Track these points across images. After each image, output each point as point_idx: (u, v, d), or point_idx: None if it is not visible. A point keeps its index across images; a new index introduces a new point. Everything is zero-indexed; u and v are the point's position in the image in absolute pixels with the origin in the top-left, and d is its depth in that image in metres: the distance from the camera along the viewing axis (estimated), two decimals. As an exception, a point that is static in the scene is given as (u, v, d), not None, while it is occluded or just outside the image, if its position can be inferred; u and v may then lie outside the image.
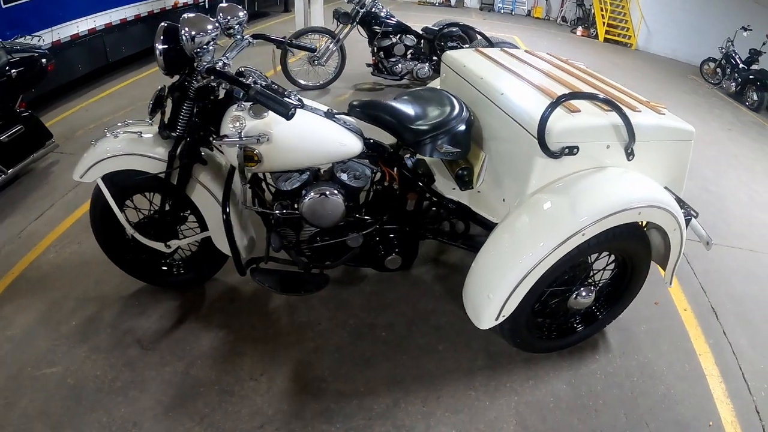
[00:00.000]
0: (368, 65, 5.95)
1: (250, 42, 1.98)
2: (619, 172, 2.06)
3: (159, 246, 2.09)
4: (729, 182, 5.09)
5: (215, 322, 2.16)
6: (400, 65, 5.83)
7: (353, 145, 1.96)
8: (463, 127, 2.14)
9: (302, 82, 5.67)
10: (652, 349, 2.79)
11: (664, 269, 2.46)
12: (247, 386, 1.92)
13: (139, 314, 2.20)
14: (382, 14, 5.58)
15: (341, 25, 5.50)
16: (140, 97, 5.39)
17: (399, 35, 5.73)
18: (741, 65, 8.68)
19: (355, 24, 5.51)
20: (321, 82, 5.81)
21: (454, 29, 5.69)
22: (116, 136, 1.97)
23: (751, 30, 8.93)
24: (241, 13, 1.93)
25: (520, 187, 2.04)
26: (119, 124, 2.03)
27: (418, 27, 5.99)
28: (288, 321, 2.26)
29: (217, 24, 1.78)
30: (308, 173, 2.00)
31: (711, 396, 2.58)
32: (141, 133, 1.96)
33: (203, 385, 1.90)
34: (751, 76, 8.26)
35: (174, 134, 1.88)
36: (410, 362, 2.22)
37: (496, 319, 1.96)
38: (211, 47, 1.75)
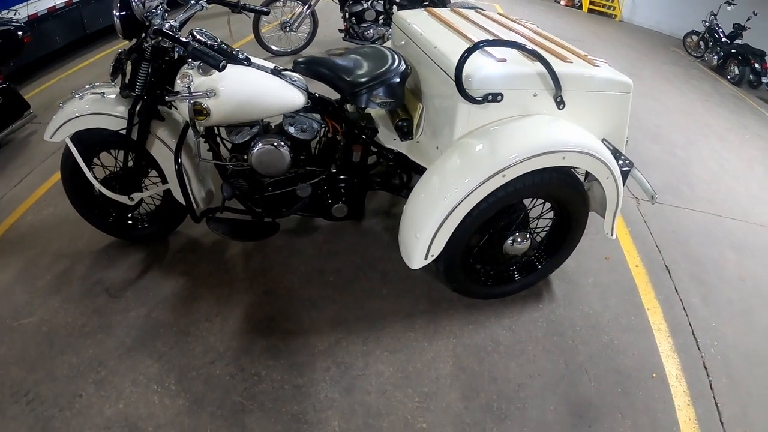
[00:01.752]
0: (340, 31, 6.02)
1: (203, 6, 2.18)
2: (547, 119, 2.16)
3: (123, 199, 2.29)
4: (699, 149, 5.15)
5: (177, 271, 2.39)
6: (371, 30, 5.91)
7: (295, 98, 2.14)
8: (397, 80, 2.26)
9: (274, 48, 5.83)
10: (598, 301, 2.80)
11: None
12: (202, 327, 2.13)
13: (108, 266, 2.44)
14: None
15: None
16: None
17: (370, 1, 5.81)
18: (724, 39, 8.82)
19: None
20: (293, 48, 5.94)
21: None
22: (82, 97, 2.15)
23: (735, 4, 9.08)
24: None
25: (449, 133, 2.15)
26: (86, 86, 2.21)
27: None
28: (243, 268, 2.46)
29: None
30: (258, 126, 2.18)
31: (657, 349, 2.60)
32: (104, 93, 2.15)
33: (163, 326, 2.11)
34: (733, 50, 8.39)
35: (133, 93, 2.07)
36: (354, 305, 2.38)
37: (425, 259, 2.09)
38: (159, 11, 1.95)
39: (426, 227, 2.03)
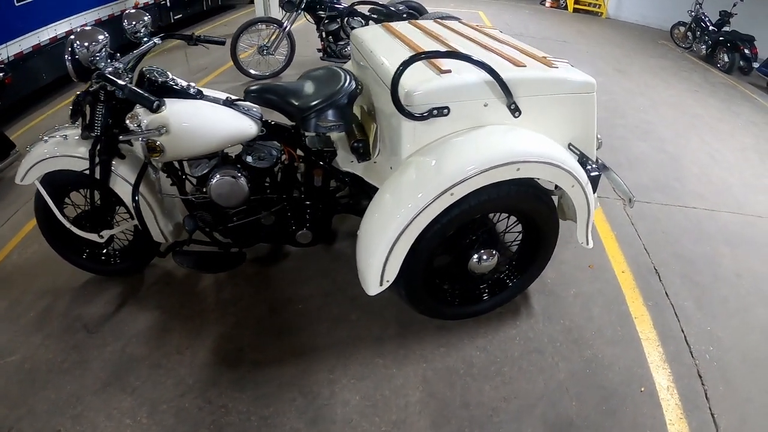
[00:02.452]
0: (318, 50, 6.06)
1: (155, 42, 2.25)
2: (500, 129, 2.09)
3: (93, 237, 2.35)
4: (689, 142, 5.06)
5: (151, 304, 2.47)
6: (348, 48, 5.87)
7: (247, 128, 2.17)
8: (345, 101, 2.25)
9: (253, 72, 5.86)
10: (580, 313, 2.70)
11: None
12: (173, 359, 2.19)
13: (87, 302, 2.53)
14: None
15: (287, 13, 5.80)
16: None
17: (346, 18, 5.83)
18: (711, 28, 8.77)
19: (300, 11, 5.69)
20: (272, 71, 5.99)
21: (400, 8, 5.93)
22: (47, 140, 2.22)
23: (720, -9, 9.06)
24: (145, 18, 2.23)
25: (398, 152, 2.11)
26: (51, 129, 2.30)
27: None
28: (214, 298, 2.52)
29: (106, 34, 2.04)
30: (217, 158, 2.22)
31: (645, 361, 2.49)
32: (66, 135, 2.23)
33: (136, 360, 2.19)
34: (721, 38, 8.34)
35: (92, 134, 2.13)
36: (323, 332, 2.39)
37: (381, 285, 2.05)
38: (104, 54, 2.02)
39: (376, 253, 1.98)
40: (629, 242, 3.34)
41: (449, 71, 2.04)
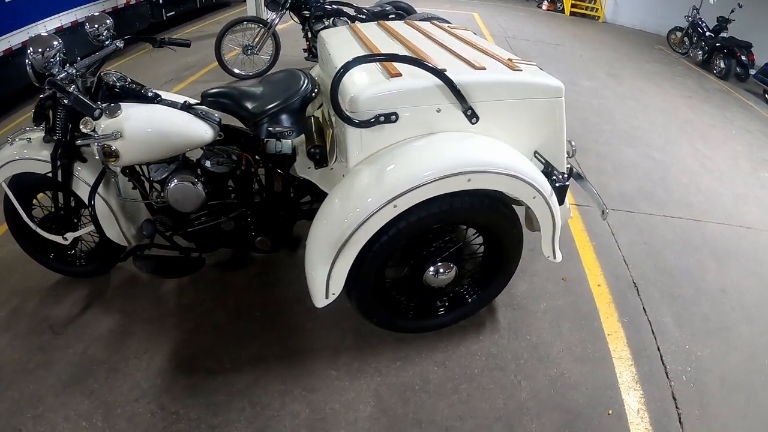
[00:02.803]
0: (304, 50, 6.00)
1: (117, 46, 2.26)
2: (453, 137, 2.00)
3: (57, 239, 2.40)
4: (679, 149, 4.94)
5: (115, 307, 2.50)
6: None
7: (203, 133, 2.16)
8: (298, 105, 2.20)
9: (237, 71, 5.86)
10: (549, 329, 2.57)
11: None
12: (131, 364, 2.22)
13: (55, 303, 2.56)
14: None
15: (272, 13, 5.80)
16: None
17: (332, 18, 5.77)
18: (708, 33, 8.70)
19: (285, 10, 5.67)
20: (256, 71, 5.96)
21: (387, 8, 5.87)
22: (12, 143, 2.25)
23: (717, -3, 8.99)
24: (107, 21, 2.24)
25: (346, 160, 2.03)
26: (23, 130, 2.32)
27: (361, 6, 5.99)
28: (175, 303, 2.54)
29: (59, 40, 2.05)
30: (176, 162, 2.22)
31: (616, 381, 2.35)
32: (30, 138, 2.25)
33: (96, 363, 2.22)
34: (717, 44, 8.27)
35: (54, 138, 2.16)
36: (278, 341, 2.37)
37: (326, 297, 2.00)
38: (57, 59, 2.01)
39: (320, 266, 1.93)
40: (608, 254, 3.20)
41: (400, 75, 1.95)
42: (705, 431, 2.18)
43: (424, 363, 2.32)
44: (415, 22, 2.98)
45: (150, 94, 2.11)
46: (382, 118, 1.89)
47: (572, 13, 12.69)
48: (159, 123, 2.07)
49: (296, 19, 5.82)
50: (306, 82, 2.26)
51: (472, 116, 1.99)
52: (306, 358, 2.31)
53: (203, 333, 2.39)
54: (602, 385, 2.31)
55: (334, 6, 5.75)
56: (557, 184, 2.12)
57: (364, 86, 1.90)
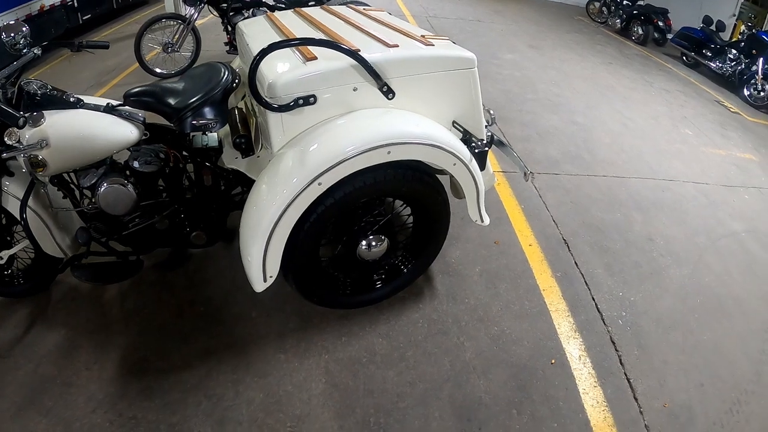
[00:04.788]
0: (225, 44, 6.04)
1: (35, 54, 2.27)
2: (371, 113, 2.15)
3: None
4: (600, 113, 5.34)
5: (59, 321, 2.53)
6: None
7: (128, 133, 2.23)
8: (219, 97, 2.31)
9: (159, 71, 5.82)
10: (486, 290, 2.76)
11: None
12: (83, 376, 2.26)
13: None
14: None
15: (190, 9, 5.82)
16: None
17: (251, 9, 5.86)
18: (625, 2, 9.38)
19: (203, 5, 5.70)
20: (179, 68, 5.92)
21: None
22: None
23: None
24: (24, 29, 2.24)
25: (270, 145, 2.16)
26: None
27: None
28: (119, 309, 2.60)
29: None
30: (105, 166, 2.26)
31: (555, 333, 2.57)
32: None
33: (48, 381, 2.25)
34: (635, 12, 8.96)
35: None
36: (225, 332, 2.47)
37: (265, 281, 2.12)
38: None
39: (253, 249, 2.03)
40: (537, 215, 3.46)
41: (315, 58, 2.08)
42: (646, 368, 2.44)
43: (368, 336, 2.45)
44: (332, 7, 3.14)
45: (72, 100, 2.15)
46: (300, 101, 2.02)
47: (492, -10, 13.20)
48: (83, 128, 2.12)
49: (215, 12, 5.87)
50: (226, 73, 2.37)
51: (388, 92, 2.15)
52: (254, 345, 2.41)
53: (150, 335, 2.46)
54: (542, 337, 2.52)
55: None
56: (476, 150, 2.31)
57: (281, 72, 2.02)
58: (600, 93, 5.92)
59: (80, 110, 2.15)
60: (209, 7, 5.78)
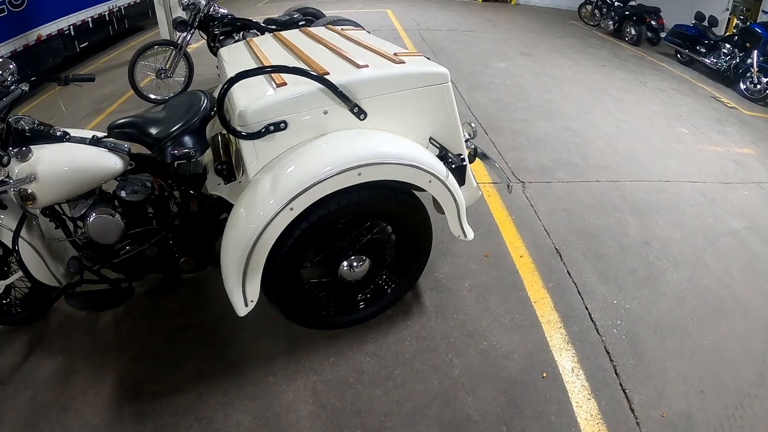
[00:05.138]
0: (217, 68, 6.00)
1: (23, 90, 2.33)
2: (342, 136, 2.17)
3: None
4: (594, 117, 5.32)
5: (56, 348, 2.62)
6: None
7: (113, 165, 2.30)
8: (197, 125, 2.40)
9: (153, 97, 5.96)
10: (475, 305, 2.73)
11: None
12: (79, 401, 2.33)
13: None
14: (219, 14, 6.02)
15: (182, 34, 5.98)
16: None
17: (241, 32, 6.00)
18: (617, 3, 9.38)
19: (193, 30, 5.87)
20: (173, 93, 5.98)
21: (295, 15, 6.30)
22: None
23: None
24: (11, 66, 2.31)
25: (246, 171, 2.20)
26: None
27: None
28: (114, 335, 2.67)
29: None
30: (94, 196, 2.35)
31: (547, 345, 2.53)
32: None
33: (46, 406, 2.32)
34: (627, 12, 8.96)
35: None
36: (215, 356, 2.52)
37: (246, 306, 2.16)
38: None
39: (233, 276, 2.08)
40: (528, 225, 3.42)
41: (285, 84, 2.12)
42: (643, 377, 2.38)
43: (356, 356, 2.46)
44: (310, 28, 3.23)
45: (59, 134, 2.23)
46: (271, 128, 2.06)
47: (485, 0, 13.27)
48: (70, 161, 2.19)
49: (205, 36, 6.01)
50: (205, 101, 2.45)
51: (359, 113, 2.18)
52: (244, 368, 2.44)
53: (143, 359, 2.52)
54: (534, 350, 2.48)
55: (241, 20, 5.95)
56: (453, 166, 2.32)
57: (250, 100, 2.06)
58: (593, 97, 5.89)
59: (66, 144, 2.22)
60: (199, 31, 5.95)
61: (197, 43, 5.94)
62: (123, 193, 2.37)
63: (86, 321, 2.77)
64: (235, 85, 2.09)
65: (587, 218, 3.53)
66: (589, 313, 2.72)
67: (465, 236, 2.44)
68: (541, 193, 3.80)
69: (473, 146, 2.71)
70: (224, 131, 2.74)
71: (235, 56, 2.75)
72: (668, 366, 2.46)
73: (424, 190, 2.33)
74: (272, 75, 2.21)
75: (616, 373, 2.40)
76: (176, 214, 2.57)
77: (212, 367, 2.45)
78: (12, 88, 2.30)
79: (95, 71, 8.03)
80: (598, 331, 2.62)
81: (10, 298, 2.72)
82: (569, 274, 2.98)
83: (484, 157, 2.75)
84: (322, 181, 1.99)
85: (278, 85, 2.12)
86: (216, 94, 2.77)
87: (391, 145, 2.16)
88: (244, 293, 2.11)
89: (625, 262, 3.13)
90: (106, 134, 2.36)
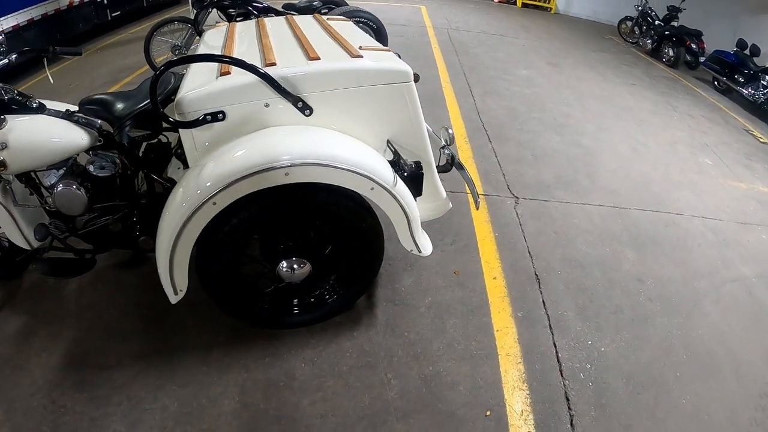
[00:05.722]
0: None
1: (10, 60, 2.44)
2: (281, 131, 2.08)
3: None
4: (611, 136, 4.98)
5: (23, 308, 2.74)
6: None
7: (78, 139, 2.33)
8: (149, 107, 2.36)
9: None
10: (431, 325, 2.50)
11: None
12: (32, 361, 2.43)
13: None
14: None
15: (200, 12, 5.90)
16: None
17: (258, 15, 5.82)
18: (658, 22, 8.97)
19: (210, 9, 5.79)
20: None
21: (315, 2, 6.27)
22: None
23: (668, -14, 9.30)
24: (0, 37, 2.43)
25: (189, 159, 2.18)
26: None
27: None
28: (75, 303, 2.77)
29: None
30: (64, 168, 2.41)
31: (499, 380, 2.27)
32: None
33: (4, 360, 2.43)
34: (667, 32, 8.55)
35: None
36: (160, 337, 2.53)
37: (176, 294, 2.19)
38: None
39: (161, 261, 2.08)
40: (511, 245, 3.14)
41: (229, 73, 2.06)
42: (602, 433, 2.10)
43: (292, 359, 2.37)
44: (296, 16, 3.15)
45: (35, 105, 2.31)
46: (208, 118, 2.00)
47: (524, 5, 12.96)
48: (38, 132, 2.25)
49: (223, 17, 5.93)
50: (174, 82, 2.43)
51: (304, 108, 2.06)
52: (183, 353, 2.44)
53: (96, 331, 2.58)
54: (483, 384, 2.23)
55: (257, 3, 5.88)
56: (406, 174, 2.15)
57: (191, 88, 2.02)
58: (615, 115, 5.55)
59: (39, 116, 2.29)
60: (218, 12, 5.93)
61: (223, 24, 5.81)
62: (91, 168, 2.43)
63: (55, 287, 2.86)
64: (190, 70, 2.16)
65: (579, 245, 3.22)
66: (557, 352, 2.44)
67: (419, 251, 2.25)
68: (534, 211, 3.51)
69: (450, 153, 2.48)
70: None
71: (210, 39, 2.75)
72: (635, 425, 2.17)
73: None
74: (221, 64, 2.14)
75: (572, 424, 2.13)
76: (141, 194, 2.58)
77: (154, 348, 2.47)
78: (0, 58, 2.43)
79: (123, 41, 8.15)
80: (561, 373, 2.34)
81: None
82: (544, 305, 2.70)
83: (459, 167, 2.51)
84: (243, 179, 1.90)
85: (222, 74, 2.05)
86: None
87: (328, 145, 2.03)
88: (172, 280, 2.11)
89: (610, 299, 2.82)
90: (77, 110, 2.39)
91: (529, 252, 3.09)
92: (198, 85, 2.03)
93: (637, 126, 5.30)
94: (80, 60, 6.60)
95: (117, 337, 2.55)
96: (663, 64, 8.26)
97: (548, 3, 12.76)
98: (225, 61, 2.06)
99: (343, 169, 1.97)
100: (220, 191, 1.91)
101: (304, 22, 2.91)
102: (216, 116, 2.01)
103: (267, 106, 2.05)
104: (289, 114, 2.07)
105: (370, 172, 2.01)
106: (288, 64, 2.07)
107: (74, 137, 2.31)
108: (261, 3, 6.01)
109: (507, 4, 13.29)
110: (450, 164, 2.50)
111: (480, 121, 4.98)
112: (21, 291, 2.86)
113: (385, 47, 2.35)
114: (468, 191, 2.40)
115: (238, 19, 5.83)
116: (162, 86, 2.37)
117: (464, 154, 4.31)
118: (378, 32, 5.95)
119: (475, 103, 5.45)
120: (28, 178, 2.43)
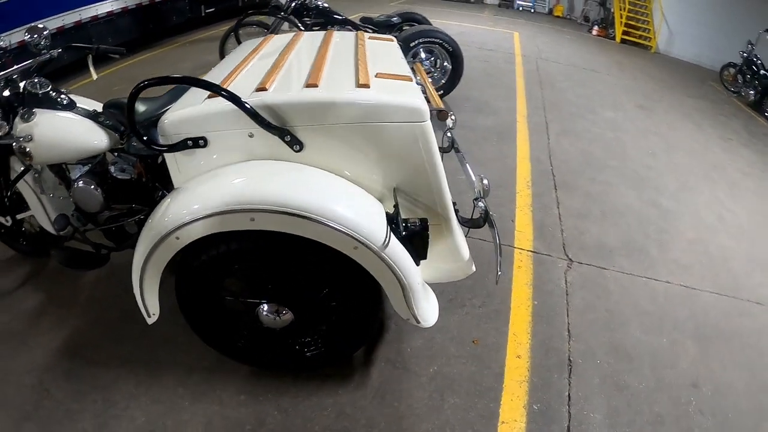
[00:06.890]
0: None
1: (52, 55, 2.48)
2: (258, 168, 1.87)
3: (2, 220, 2.76)
4: (697, 197, 4.33)
5: (43, 287, 2.86)
6: None
7: (98, 141, 2.31)
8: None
9: None
10: (428, 400, 2.16)
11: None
12: (36, 340, 2.52)
13: (2, 275, 2.98)
14: (314, 5, 5.95)
15: (275, 18, 5.98)
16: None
17: (334, 27, 5.81)
18: (763, 72, 7.98)
19: (286, 16, 5.80)
20: None
21: (393, 19, 6.15)
22: None
23: (776, 32, 8.29)
24: (45, 32, 2.44)
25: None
26: None
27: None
28: (88, 294, 2.84)
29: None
30: (90, 165, 2.43)
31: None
32: None
33: (12, 334, 2.54)
34: (772, 84, 7.57)
35: None
36: (148, 347, 2.51)
37: (149, 317, 2.09)
38: None
39: (134, 283, 1.97)
40: (549, 318, 2.66)
41: (215, 96, 1.88)
42: None
43: (267, 404, 2.22)
44: (337, 32, 2.85)
45: (66, 102, 2.34)
46: (190, 143, 1.86)
47: (623, 41, 12.11)
48: (61, 130, 2.26)
49: (299, 25, 5.81)
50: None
51: (293, 143, 1.83)
52: (165, 368, 2.40)
53: (98, 326, 2.62)
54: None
55: (336, 15, 5.84)
56: (405, 233, 1.83)
57: (176, 109, 1.89)
58: (704, 173, 4.86)
59: (66, 113, 2.31)
60: (294, 19, 5.85)
61: (287, 33, 5.74)
62: (112, 168, 2.43)
63: (75, 274, 2.95)
64: (191, 89, 2.04)
65: (632, 329, 2.69)
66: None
67: (416, 322, 1.89)
68: (587, 279, 3.00)
69: (483, 207, 2.08)
70: None
71: (233, 54, 2.64)
72: None
73: None
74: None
75: None
76: (159, 199, 2.46)
77: (141, 357, 2.46)
78: (44, 51, 2.45)
79: (213, 37, 8.22)
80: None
81: (23, 231, 3.02)
82: (568, 399, 2.22)
83: (491, 224, 2.10)
84: (205, 218, 1.73)
85: (209, 97, 1.89)
86: None
87: (308, 190, 1.76)
88: (144, 303, 2.01)
89: (652, 406, 2.30)
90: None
91: (569, 330, 2.60)
92: (184, 107, 1.89)
93: (726, 189, 4.60)
94: (165, 52, 6.72)
95: (112, 336, 2.55)
96: (765, 119, 7.34)
97: (649, 42, 11.85)
98: (199, 85, 1.85)
99: (318, 222, 1.68)
100: (179, 227, 1.76)
101: (340, 39, 2.64)
102: (197, 142, 1.85)
103: (251, 136, 1.84)
104: (275, 148, 1.84)
105: (353, 228, 1.70)
106: (278, 91, 1.85)
107: (95, 138, 2.31)
108: (340, 15, 5.91)
109: (605, 38, 12.51)
110: (483, 220, 2.11)
111: (549, 164, 4.50)
112: (46, 270, 2.98)
113: (407, 76, 2.02)
114: (497, 247, 1.97)
115: (314, 28, 5.81)
116: (174, 98, 2.23)
117: (522, 200, 3.85)
118: (454, 56, 5.59)
119: (548, 143, 4.95)
120: (59, 168, 2.48)
